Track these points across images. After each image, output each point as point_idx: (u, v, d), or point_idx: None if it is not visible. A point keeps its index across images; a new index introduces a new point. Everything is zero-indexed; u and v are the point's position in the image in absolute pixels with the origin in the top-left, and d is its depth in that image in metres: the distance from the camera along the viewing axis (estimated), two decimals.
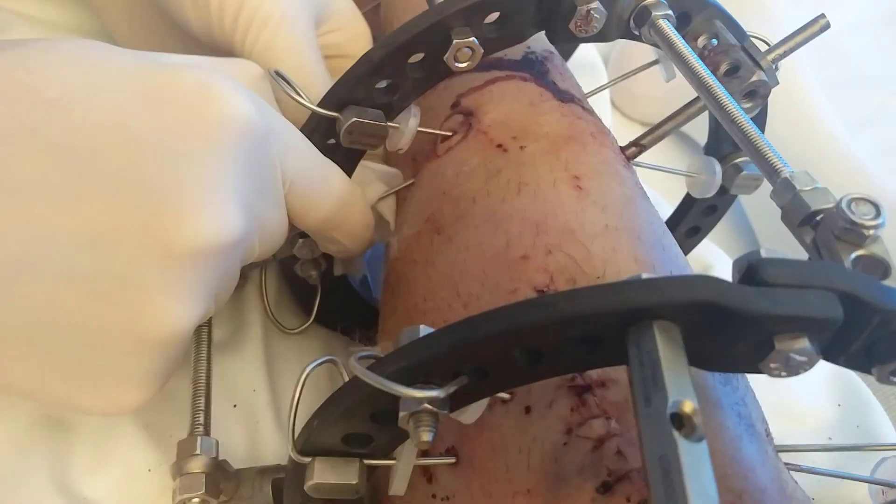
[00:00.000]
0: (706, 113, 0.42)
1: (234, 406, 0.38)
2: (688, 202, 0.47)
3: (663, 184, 0.53)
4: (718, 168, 0.41)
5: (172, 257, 0.26)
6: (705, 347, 0.23)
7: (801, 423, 0.45)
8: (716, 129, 0.43)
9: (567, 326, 0.22)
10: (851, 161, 0.62)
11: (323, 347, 0.42)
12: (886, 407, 0.47)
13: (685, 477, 0.19)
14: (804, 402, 0.46)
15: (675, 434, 0.20)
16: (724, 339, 0.22)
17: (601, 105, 0.66)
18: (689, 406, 0.21)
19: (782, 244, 0.32)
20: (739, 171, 0.42)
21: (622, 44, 0.70)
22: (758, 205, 0.64)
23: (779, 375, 0.23)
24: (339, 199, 0.34)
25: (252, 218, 0.29)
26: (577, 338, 0.23)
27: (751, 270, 0.23)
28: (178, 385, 0.35)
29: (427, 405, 0.24)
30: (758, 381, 0.32)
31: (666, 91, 0.64)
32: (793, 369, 0.22)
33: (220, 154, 0.27)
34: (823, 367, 0.47)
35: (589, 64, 0.65)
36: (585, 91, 0.42)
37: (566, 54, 0.59)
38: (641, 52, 0.42)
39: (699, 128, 0.46)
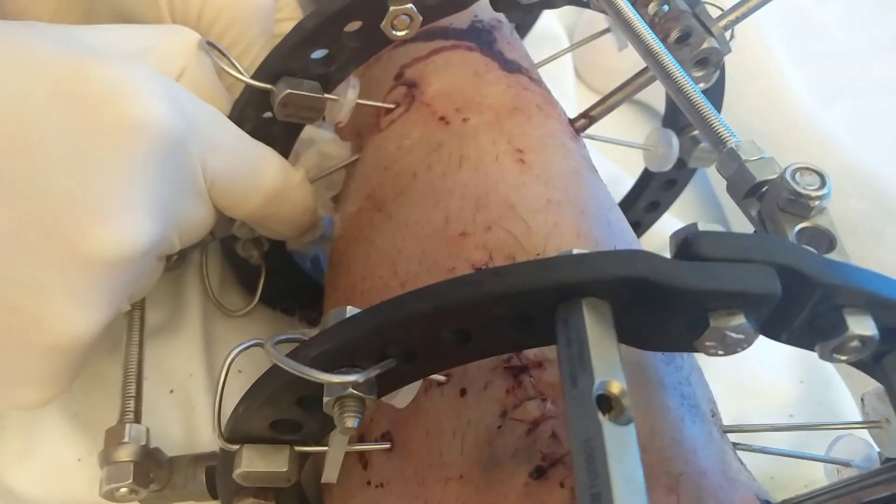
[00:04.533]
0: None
1: (171, 391, 0.36)
2: (646, 176, 0.46)
3: (624, 157, 0.52)
4: (675, 140, 0.40)
5: (75, 266, 0.25)
6: (638, 325, 0.22)
7: (762, 399, 0.45)
8: (672, 101, 0.41)
9: (495, 305, 0.21)
10: (823, 133, 0.61)
11: (267, 330, 0.41)
12: (849, 384, 0.46)
13: (609, 462, 0.18)
14: (766, 378, 0.45)
15: (601, 417, 0.19)
16: (658, 316, 0.21)
17: (564, 78, 0.64)
18: (616, 387, 0.20)
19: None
20: (697, 144, 0.41)
21: (588, 15, 0.68)
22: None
23: (715, 354, 0.22)
24: (270, 192, 0.32)
25: (167, 220, 0.28)
26: (507, 316, 0.22)
27: (686, 244, 0.22)
28: (110, 371, 0.34)
29: (352, 390, 0.23)
30: (718, 358, 0.31)
31: (633, 63, 0.63)
32: (729, 348, 0.21)
33: (131, 160, 0.26)
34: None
35: (552, 36, 0.64)
36: (544, 57, 0.41)
37: (527, 27, 0.57)
38: (605, 23, 0.41)
39: (662, 99, 0.45)
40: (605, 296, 0.21)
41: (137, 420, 0.31)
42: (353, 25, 0.32)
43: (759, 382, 0.45)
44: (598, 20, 0.68)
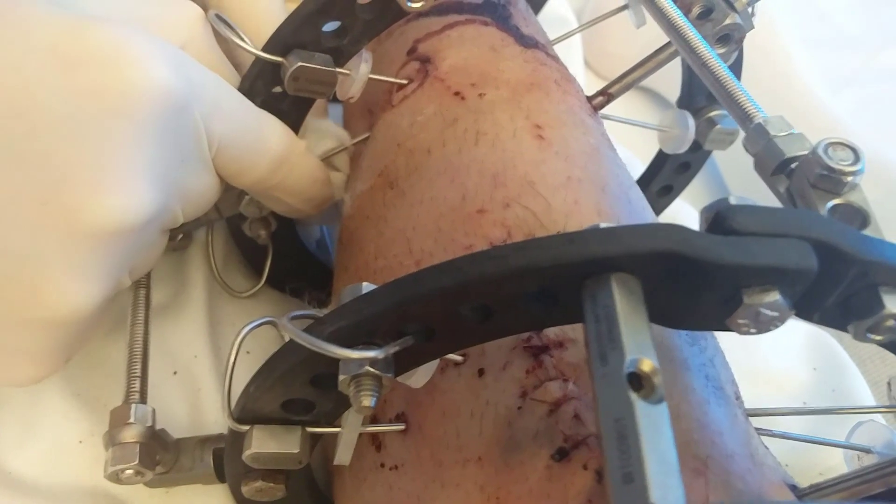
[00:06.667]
0: (679, 69, 0.41)
1: (175, 373, 0.36)
2: (660, 160, 0.45)
3: (635, 142, 0.51)
4: (691, 121, 0.39)
5: (74, 237, 0.24)
6: (668, 302, 0.21)
7: (775, 387, 0.44)
8: (689, 81, 0.41)
9: (518, 280, 0.21)
10: (832, 120, 0.60)
11: (273, 311, 0.40)
12: (863, 370, 0.45)
13: (642, 441, 0.18)
14: (779, 365, 0.45)
15: (633, 395, 0.18)
16: (689, 293, 0.21)
17: (573, 64, 0.63)
18: (647, 365, 0.19)
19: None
20: (713, 125, 0.40)
21: None
22: (733, 163, 0.62)
23: (748, 332, 0.21)
24: (276, 157, 0.32)
25: (169, 190, 0.27)
26: (531, 293, 0.21)
27: (718, 218, 0.21)
28: (114, 351, 0.33)
29: (369, 368, 0.22)
30: (731, 344, 0.30)
31: (640, 49, 0.62)
32: (763, 325, 0.21)
33: (132, 126, 0.25)
34: (800, 329, 0.46)
35: (560, 18, 0.63)
36: (553, 38, 0.40)
37: (536, 7, 0.56)
38: (615, 5, 0.40)
39: (672, 86, 0.44)
40: (634, 271, 0.20)
41: (143, 400, 0.30)
42: None
43: (771, 369, 0.44)
44: (606, 2, 0.68)
